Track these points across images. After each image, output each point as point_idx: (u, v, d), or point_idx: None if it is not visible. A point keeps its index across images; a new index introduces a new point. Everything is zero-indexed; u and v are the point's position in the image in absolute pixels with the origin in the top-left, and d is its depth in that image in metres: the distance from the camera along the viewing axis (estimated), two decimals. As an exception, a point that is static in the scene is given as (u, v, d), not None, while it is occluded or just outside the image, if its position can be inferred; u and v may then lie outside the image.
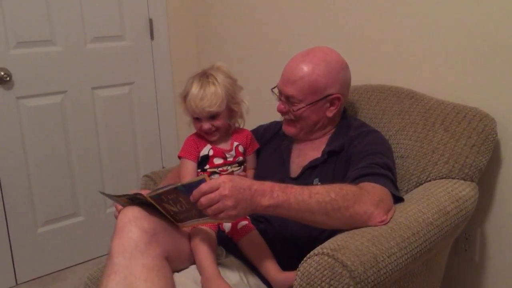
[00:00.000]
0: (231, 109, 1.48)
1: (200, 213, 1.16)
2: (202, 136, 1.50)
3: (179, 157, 1.50)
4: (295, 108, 1.42)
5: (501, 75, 1.42)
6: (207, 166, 1.47)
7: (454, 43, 1.52)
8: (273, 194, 1.12)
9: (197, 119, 1.46)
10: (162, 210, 1.22)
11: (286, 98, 1.44)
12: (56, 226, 2.40)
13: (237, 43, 2.45)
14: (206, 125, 1.44)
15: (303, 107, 1.41)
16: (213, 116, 1.44)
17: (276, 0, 2.16)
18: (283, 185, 1.15)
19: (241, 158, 1.51)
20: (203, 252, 1.27)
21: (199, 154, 1.47)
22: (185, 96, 1.45)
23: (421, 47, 1.62)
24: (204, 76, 1.44)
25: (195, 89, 1.42)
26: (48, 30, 2.23)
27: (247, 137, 1.55)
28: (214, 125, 1.44)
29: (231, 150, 1.49)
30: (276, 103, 1.50)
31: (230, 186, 1.09)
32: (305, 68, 1.40)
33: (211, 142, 1.49)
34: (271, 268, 1.27)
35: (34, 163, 2.28)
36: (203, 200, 1.10)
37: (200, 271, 1.26)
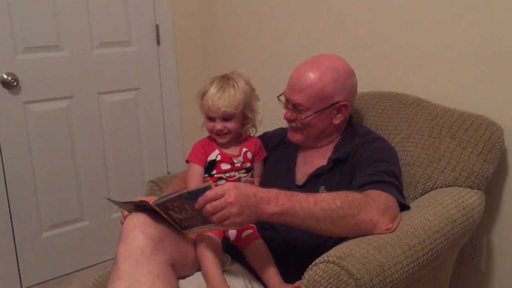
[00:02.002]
0: (245, 116, 1.49)
1: (205, 220, 1.16)
2: (210, 141, 1.50)
3: (187, 161, 1.50)
4: (303, 116, 1.42)
5: (509, 83, 1.42)
6: (214, 171, 1.47)
7: (460, 50, 1.52)
8: (278, 202, 1.12)
9: (210, 119, 1.46)
10: (167, 218, 1.22)
11: (293, 106, 1.44)
12: (61, 231, 2.41)
13: (243, 50, 2.46)
14: (219, 126, 1.44)
15: (311, 115, 1.41)
16: (227, 118, 1.44)
17: (283, 8, 2.16)
18: (288, 193, 1.14)
19: (248, 164, 1.51)
20: (209, 260, 1.27)
21: (206, 159, 1.47)
22: (203, 94, 1.46)
23: (427, 54, 1.61)
24: (225, 78, 1.46)
25: (214, 89, 1.43)
26: (55, 36, 2.24)
27: (256, 145, 1.55)
28: (227, 127, 1.45)
29: (239, 155, 1.49)
30: (282, 110, 1.50)
31: (236, 193, 1.09)
32: (313, 76, 1.39)
33: (220, 146, 1.49)
34: (273, 279, 1.27)
35: (40, 168, 2.29)
36: (209, 207, 1.10)
37: (206, 279, 1.26)
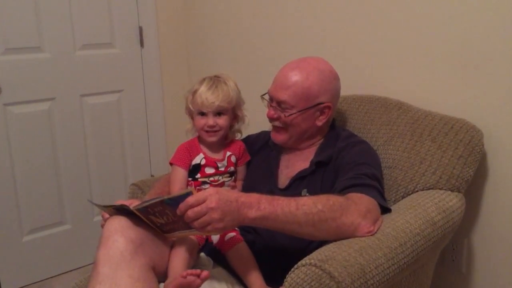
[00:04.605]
0: (235, 115, 1.50)
1: (187, 225, 1.15)
2: (195, 145, 1.50)
3: (171, 164, 1.49)
4: (286, 114, 1.42)
5: (488, 87, 1.43)
6: (198, 175, 1.46)
7: (441, 54, 1.53)
8: (260, 206, 1.12)
9: (201, 115, 1.45)
10: (148, 222, 1.21)
11: (277, 104, 1.44)
12: (42, 235, 2.37)
13: (227, 52, 2.45)
14: (211, 121, 1.43)
15: (294, 113, 1.41)
16: (219, 112, 1.44)
17: (267, 11, 2.16)
18: (270, 197, 1.14)
19: (232, 168, 1.51)
20: (179, 258, 1.25)
21: (190, 163, 1.47)
22: (194, 92, 1.46)
23: (409, 58, 1.63)
24: (215, 77, 1.48)
25: (205, 86, 1.44)
26: (37, 37, 2.22)
27: (240, 148, 1.55)
28: (218, 123, 1.44)
29: (223, 159, 1.49)
30: (265, 111, 1.50)
31: (217, 199, 1.09)
32: (300, 75, 1.41)
33: (205, 149, 1.48)
34: (255, 281, 1.27)
35: (21, 171, 2.26)
36: (190, 213, 1.09)
37: (168, 271, 1.24)
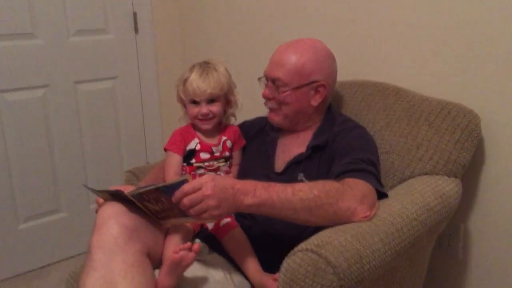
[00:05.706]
0: (228, 100, 1.49)
1: (183, 213, 1.14)
2: (190, 130, 1.49)
3: (165, 150, 1.48)
4: (280, 91, 1.42)
5: (486, 72, 1.43)
6: (193, 161, 1.45)
7: (439, 40, 1.52)
8: (256, 193, 1.11)
9: (194, 103, 1.45)
10: (143, 208, 1.20)
11: (272, 82, 1.44)
12: (38, 223, 2.37)
13: (223, 37, 2.44)
14: (204, 109, 1.43)
15: (288, 90, 1.41)
16: (212, 100, 1.44)
17: (262, -5, 2.15)
18: (266, 184, 1.14)
19: (227, 153, 1.50)
20: (173, 245, 1.24)
21: (185, 148, 1.46)
22: (185, 80, 1.45)
23: (407, 44, 1.62)
24: (205, 63, 1.47)
25: (196, 74, 1.43)
26: (30, 23, 2.19)
27: (236, 133, 1.55)
28: (212, 110, 1.44)
29: (218, 144, 1.48)
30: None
31: (213, 186, 1.08)
32: (294, 52, 1.41)
33: (199, 134, 1.48)
34: (251, 267, 1.27)
35: (15, 159, 2.24)
36: (186, 200, 1.09)
37: (163, 260, 1.23)
